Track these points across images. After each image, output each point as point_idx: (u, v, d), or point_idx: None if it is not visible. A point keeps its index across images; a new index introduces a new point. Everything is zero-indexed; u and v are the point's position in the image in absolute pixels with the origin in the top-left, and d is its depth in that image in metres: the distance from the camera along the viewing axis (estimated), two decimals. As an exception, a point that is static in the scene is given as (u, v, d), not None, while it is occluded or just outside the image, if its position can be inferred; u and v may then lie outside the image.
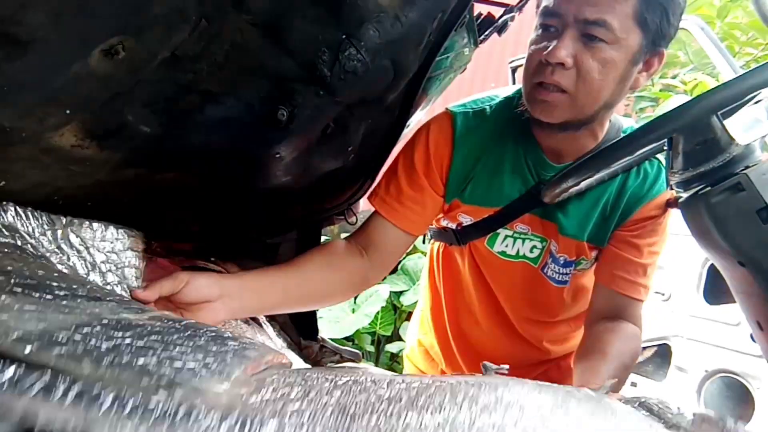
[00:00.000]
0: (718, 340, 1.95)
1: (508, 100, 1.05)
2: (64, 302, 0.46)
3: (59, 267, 0.68)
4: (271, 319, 1.38)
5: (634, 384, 2.21)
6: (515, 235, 1.06)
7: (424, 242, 1.29)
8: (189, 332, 0.47)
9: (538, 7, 0.93)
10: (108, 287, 0.76)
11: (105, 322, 0.44)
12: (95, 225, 0.79)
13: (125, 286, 0.79)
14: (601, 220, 1.03)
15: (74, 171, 0.71)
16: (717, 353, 1.96)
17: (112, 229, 0.81)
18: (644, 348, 2.20)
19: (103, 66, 0.57)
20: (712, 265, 1.82)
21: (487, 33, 1.27)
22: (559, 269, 1.06)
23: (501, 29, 1.30)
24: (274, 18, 0.70)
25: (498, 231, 1.05)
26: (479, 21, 1.24)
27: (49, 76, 0.55)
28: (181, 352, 0.41)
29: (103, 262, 0.78)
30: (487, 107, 1.05)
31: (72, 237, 0.74)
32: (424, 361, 1.34)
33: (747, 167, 0.72)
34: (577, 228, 1.02)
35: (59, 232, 0.73)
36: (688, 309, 2.05)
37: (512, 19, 1.30)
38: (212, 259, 1.32)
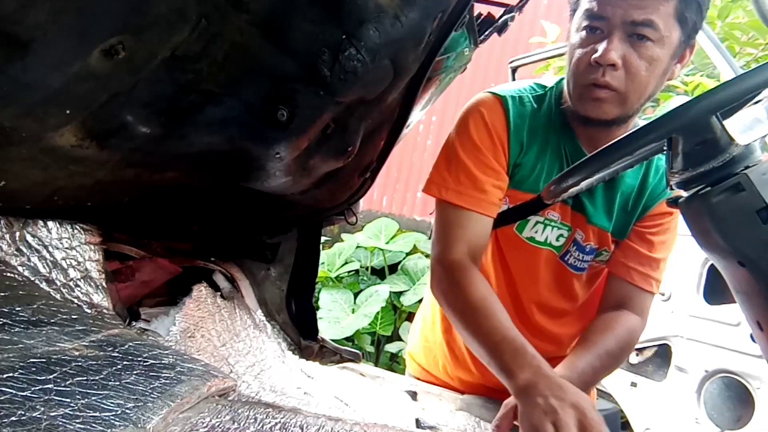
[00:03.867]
0: (718, 340, 1.95)
1: (544, 91, 1.09)
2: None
3: (20, 269, 0.68)
4: (272, 319, 1.38)
5: (634, 384, 2.20)
6: (546, 221, 1.09)
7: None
8: (124, 363, 0.47)
9: (573, 11, 0.97)
10: (71, 283, 0.79)
11: (32, 361, 0.43)
12: (50, 224, 0.80)
13: (89, 279, 0.81)
14: (624, 213, 1.08)
15: (74, 171, 0.71)
16: (717, 353, 1.95)
17: (66, 226, 0.83)
18: (644, 348, 2.20)
19: (103, 66, 0.57)
20: (712, 265, 1.82)
21: (487, 33, 1.28)
22: (582, 257, 1.11)
23: (501, 29, 1.30)
24: (274, 18, 0.70)
25: (528, 217, 1.09)
26: (479, 21, 1.25)
27: (49, 76, 0.55)
28: (102, 397, 0.41)
29: (63, 258, 0.80)
30: (526, 96, 1.08)
31: (29, 238, 0.76)
32: (426, 358, 1.34)
33: (747, 167, 0.72)
34: (605, 218, 1.08)
35: (17, 234, 0.73)
36: (688, 309, 2.05)
37: (512, 19, 1.30)
38: (212, 259, 1.33)
